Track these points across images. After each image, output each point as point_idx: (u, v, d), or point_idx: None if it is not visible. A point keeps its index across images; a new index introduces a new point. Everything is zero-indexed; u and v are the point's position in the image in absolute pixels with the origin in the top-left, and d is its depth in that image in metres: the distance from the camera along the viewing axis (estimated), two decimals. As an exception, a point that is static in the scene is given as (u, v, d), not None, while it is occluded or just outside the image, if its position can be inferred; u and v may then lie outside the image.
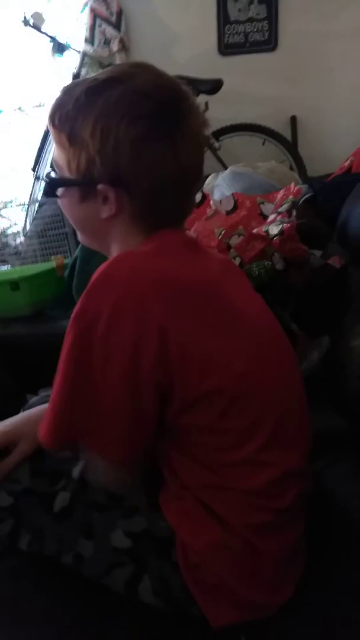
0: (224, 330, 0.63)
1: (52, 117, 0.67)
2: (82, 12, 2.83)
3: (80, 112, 0.63)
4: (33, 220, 1.99)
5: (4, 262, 1.92)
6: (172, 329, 0.58)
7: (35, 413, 0.75)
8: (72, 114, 0.64)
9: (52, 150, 0.72)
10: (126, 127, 0.61)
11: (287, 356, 0.73)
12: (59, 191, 0.70)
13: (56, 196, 0.70)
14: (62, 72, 2.73)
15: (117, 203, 0.65)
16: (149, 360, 0.58)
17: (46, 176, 0.72)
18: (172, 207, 0.68)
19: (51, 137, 0.71)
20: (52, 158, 0.71)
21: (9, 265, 1.86)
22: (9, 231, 2.07)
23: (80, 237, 0.75)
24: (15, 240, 2.01)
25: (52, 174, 0.72)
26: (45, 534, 0.70)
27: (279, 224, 1.23)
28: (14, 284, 1.52)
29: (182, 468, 0.67)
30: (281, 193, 1.41)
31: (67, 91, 0.66)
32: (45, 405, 0.66)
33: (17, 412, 0.90)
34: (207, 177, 1.97)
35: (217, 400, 0.62)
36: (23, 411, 0.90)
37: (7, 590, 0.77)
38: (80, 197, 0.67)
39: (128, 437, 0.62)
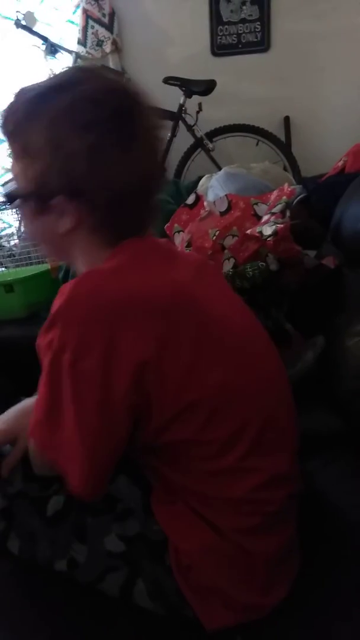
0: (200, 342, 0.61)
1: (5, 127, 0.64)
2: (74, 13, 2.83)
3: (30, 122, 0.61)
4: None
5: (-2, 264, 1.92)
6: (145, 352, 0.56)
7: (29, 406, 0.72)
8: (22, 123, 0.62)
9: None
10: (79, 136, 0.59)
11: (271, 359, 0.71)
12: (16, 203, 0.66)
13: (15, 207, 0.67)
14: (55, 73, 2.73)
15: (76, 216, 0.62)
16: (122, 386, 0.56)
17: (2, 186, 0.68)
18: (134, 216, 0.65)
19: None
20: (11, 170, 0.68)
21: (4, 268, 1.85)
22: (3, 233, 2.06)
23: (43, 250, 0.72)
24: (9, 242, 2.00)
25: (10, 185, 0.69)
26: (37, 538, 0.69)
27: (273, 225, 1.23)
28: (9, 286, 1.51)
29: (167, 478, 0.67)
30: (275, 194, 1.42)
31: (17, 99, 0.63)
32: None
33: (4, 410, 0.90)
34: (200, 178, 1.97)
35: (196, 413, 0.60)
36: None
37: (0, 596, 0.77)
38: (37, 210, 0.64)
39: (96, 465, 0.61)
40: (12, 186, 0.67)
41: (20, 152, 0.63)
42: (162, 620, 0.67)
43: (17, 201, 0.66)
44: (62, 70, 0.66)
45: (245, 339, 0.68)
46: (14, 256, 1.87)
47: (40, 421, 0.62)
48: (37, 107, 0.61)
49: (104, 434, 0.59)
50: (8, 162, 0.75)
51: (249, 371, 0.65)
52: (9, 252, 1.91)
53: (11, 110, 0.63)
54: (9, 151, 0.66)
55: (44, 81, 0.64)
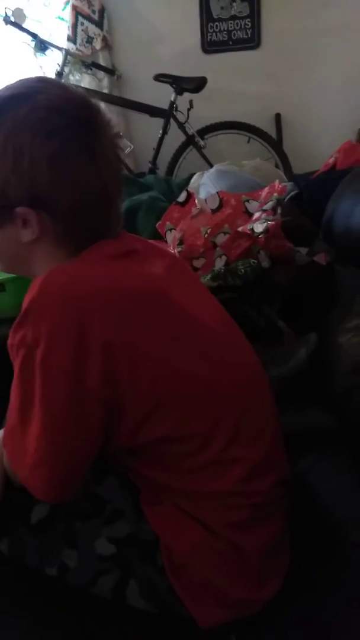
0: (172, 336, 0.61)
1: None
2: (63, 9, 2.81)
3: None
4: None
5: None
6: (118, 342, 0.56)
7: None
8: None
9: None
10: (40, 144, 0.59)
11: (245, 352, 0.72)
12: None
13: None
14: (45, 71, 2.71)
15: (39, 225, 0.61)
16: (95, 379, 0.56)
17: None
18: (98, 223, 0.65)
19: None
20: None
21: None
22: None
23: None
24: None
25: None
26: (26, 546, 0.69)
27: (264, 222, 1.23)
28: (0, 285, 1.50)
29: (151, 479, 0.66)
30: (266, 191, 1.42)
31: None
32: None
33: (4, 414, 0.89)
34: (192, 175, 1.97)
35: (172, 407, 0.61)
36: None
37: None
38: None
39: (67, 468, 0.60)
40: None
41: None
42: (156, 620, 0.67)
43: None
44: (19, 80, 0.65)
45: (219, 333, 0.69)
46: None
47: (12, 428, 0.61)
48: None
49: (77, 431, 0.59)
50: None
51: (222, 363, 0.66)
52: None
53: None
54: None
55: (1, 91, 0.63)
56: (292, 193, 1.44)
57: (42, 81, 0.64)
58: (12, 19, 2.46)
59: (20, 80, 0.65)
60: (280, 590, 0.67)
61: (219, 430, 0.63)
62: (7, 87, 0.63)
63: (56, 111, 0.60)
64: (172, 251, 1.33)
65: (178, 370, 0.61)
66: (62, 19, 2.82)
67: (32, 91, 0.61)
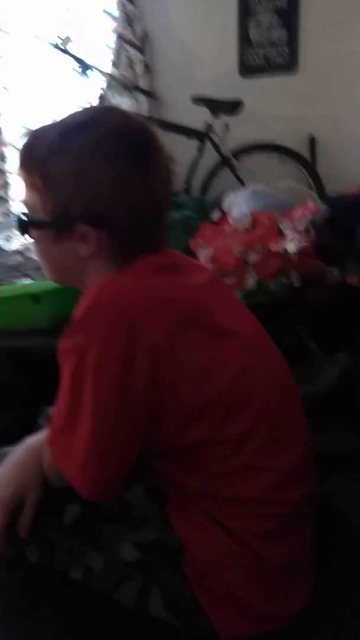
0: (212, 345, 0.65)
1: (23, 161, 0.68)
2: (109, 37, 2.93)
3: (55, 155, 0.65)
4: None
5: (26, 275, 1.97)
6: (163, 349, 0.60)
7: (25, 460, 0.71)
8: (45, 156, 0.65)
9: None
10: (105, 167, 0.64)
11: (278, 362, 0.75)
12: (32, 233, 0.70)
13: (28, 236, 0.70)
14: (88, 94, 2.82)
15: (97, 241, 0.66)
16: (141, 383, 0.59)
17: (18, 219, 0.72)
18: (149, 239, 0.69)
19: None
20: (23, 200, 0.71)
21: (31, 279, 1.90)
22: (32, 246, 2.12)
23: (48, 274, 0.75)
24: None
25: (23, 216, 0.71)
26: (56, 546, 0.70)
27: (297, 242, 1.24)
28: (35, 297, 1.55)
29: (181, 483, 0.68)
30: (299, 211, 1.43)
31: (37, 135, 0.68)
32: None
33: (33, 424, 0.92)
34: (225, 195, 1.99)
35: (212, 411, 0.63)
36: (40, 420, 0.92)
37: (16, 601, 0.77)
38: (55, 238, 0.68)
39: (112, 467, 0.63)
40: (27, 215, 0.70)
41: (39, 183, 0.66)
42: (177, 634, 0.67)
43: (33, 231, 0.70)
44: (85, 109, 0.72)
45: (254, 342, 0.72)
46: (42, 268, 1.92)
47: (59, 429, 0.64)
48: (62, 142, 0.65)
49: (123, 433, 0.61)
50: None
51: (259, 373, 0.68)
52: (37, 265, 1.97)
53: (32, 145, 0.68)
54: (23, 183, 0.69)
55: (64, 119, 0.68)
56: (325, 214, 1.45)
57: (105, 110, 0.70)
58: (62, 46, 2.60)
59: (86, 108, 0.72)
60: (303, 609, 0.66)
61: (253, 437, 0.64)
62: (75, 115, 0.69)
63: (120, 137, 0.65)
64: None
65: (217, 378, 0.63)
66: (108, 45, 2.95)
67: (97, 119, 0.67)
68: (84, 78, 2.71)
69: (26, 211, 0.71)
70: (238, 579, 0.64)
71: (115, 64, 2.89)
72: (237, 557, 0.64)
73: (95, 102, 2.71)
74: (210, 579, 0.65)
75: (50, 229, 0.68)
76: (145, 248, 0.68)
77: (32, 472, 0.69)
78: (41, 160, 0.66)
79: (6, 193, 3.38)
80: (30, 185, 0.68)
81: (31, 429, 0.92)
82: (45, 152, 0.65)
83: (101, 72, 2.75)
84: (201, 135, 2.64)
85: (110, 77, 2.76)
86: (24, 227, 0.71)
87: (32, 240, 0.72)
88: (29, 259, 2.10)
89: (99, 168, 0.64)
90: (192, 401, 0.62)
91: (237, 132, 2.61)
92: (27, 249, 2.18)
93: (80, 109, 0.71)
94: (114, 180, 0.64)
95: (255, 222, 1.43)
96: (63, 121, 0.68)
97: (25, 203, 0.70)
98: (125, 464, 0.64)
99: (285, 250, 1.24)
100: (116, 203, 0.65)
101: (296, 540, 0.68)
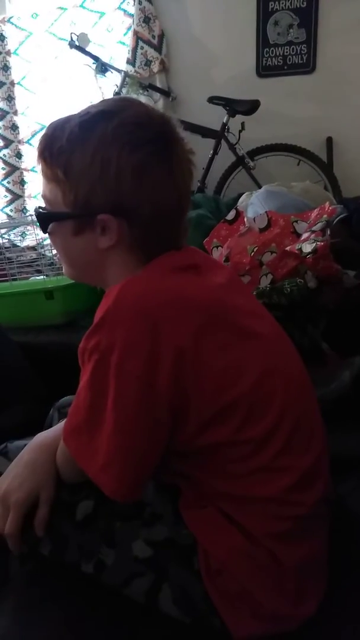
0: (237, 344, 0.64)
1: (43, 153, 0.67)
2: (125, 34, 2.94)
3: (75, 145, 0.64)
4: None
5: (39, 272, 1.98)
6: (187, 350, 0.59)
7: (37, 459, 0.71)
8: (66, 148, 0.64)
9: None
10: (127, 155, 0.62)
11: (295, 362, 0.74)
12: (50, 227, 0.69)
13: (47, 231, 0.70)
14: (105, 91, 2.83)
15: (118, 232, 0.65)
16: (164, 383, 0.59)
17: (37, 213, 0.71)
18: (170, 233, 0.68)
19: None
20: (42, 194, 0.70)
21: (44, 276, 1.91)
22: (45, 242, 2.13)
23: (66, 270, 0.74)
24: (51, 251, 2.07)
25: (42, 210, 0.70)
26: (69, 542, 0.70)
27: (313, 243, 1.23)
28: (49, 293, 1.56)
29: (199, 482, 0.67)
30: (315, 212, 1.42)
31: (56, 127, 0.67)
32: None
33: (45, 418, 0.92)
34: (240, 195, 1.99)
35: (235, 412, 0.62)
36: (53, 410, 0.93)
37: (28, 595, 0.78)
38: (76, 230, 0.67)
39: (136, 468, 0.62)
40: (46, 210, 0.70)
41: (60, 175, 0.65)
42: (188, 631, 0.67)
43: (52, 225, 0.69)
44: (104, 100, 0.70)
45: (273, 342, 0.71)
46: (55, 265, 1.93)
47: (78, 428, 0.63)
48: (82, 132, 0.64)
49: (146, 432, 0.61)
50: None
51: (279, 373, 0.67)
52: (50, 261, 1.97)
53: (52, 138, 0.66)
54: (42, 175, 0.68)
55: (84, 110, 0.67)
56: (342, 215, 1.44)
57: (125, 100, 0.69)
58: (77, 44, 2.60)
59: (104, 100, 0.70)
60: (316, 612, 0.65)
61: (274, 438, 0.64)
62: (94, 106, 0.68)
63: (141, 126, 0.64)
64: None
65: (241, 379, 0.63)
66: (123, 43, 2.96)
67: (117, 108, 0.65)
68: (99, 77, 2.72)
69: (45, 205, 0.70)
70: (253, 579, 0.64)
71: (129, 62, 2.90)
72: (253, 557, 0.64)
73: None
74: (224, 577, 0.64)
75: (71, 221, 0.67)
76: (165, 243, 0.68)
77: (44, 470, 0.69)
78: (61, 152, 0.65)
79: (22, 190, 3.42)
80: (51, 177, 0.67)
81: (43, 423, 0.93)
82: (65, 143, 0.65)
83: (116, 69, 2.75)
84: (216, 135, 2.64)
85: (126, 75, 2.77)
86: (45, 220, 0.70)
87: (52, 235, 0.71)
88: (42, 255, 2.11)
89: (120, 157, 0.62)
90: (215, 402, 0.62)
91: (253, 132, 2.60)
92: (40, 245, 2.19)
93: (100, 101, 0.70)
94: (136, 169, 0.63)
95: (270, 222, 1.42)
96: (81, 112, 0.67)
97: (45, 197, 0.70)
98: (150, 464, 0.63)
99: (301, 250, 1.23)
100: (138, 192, 0.64)
101: (312, 542, 0.67)
